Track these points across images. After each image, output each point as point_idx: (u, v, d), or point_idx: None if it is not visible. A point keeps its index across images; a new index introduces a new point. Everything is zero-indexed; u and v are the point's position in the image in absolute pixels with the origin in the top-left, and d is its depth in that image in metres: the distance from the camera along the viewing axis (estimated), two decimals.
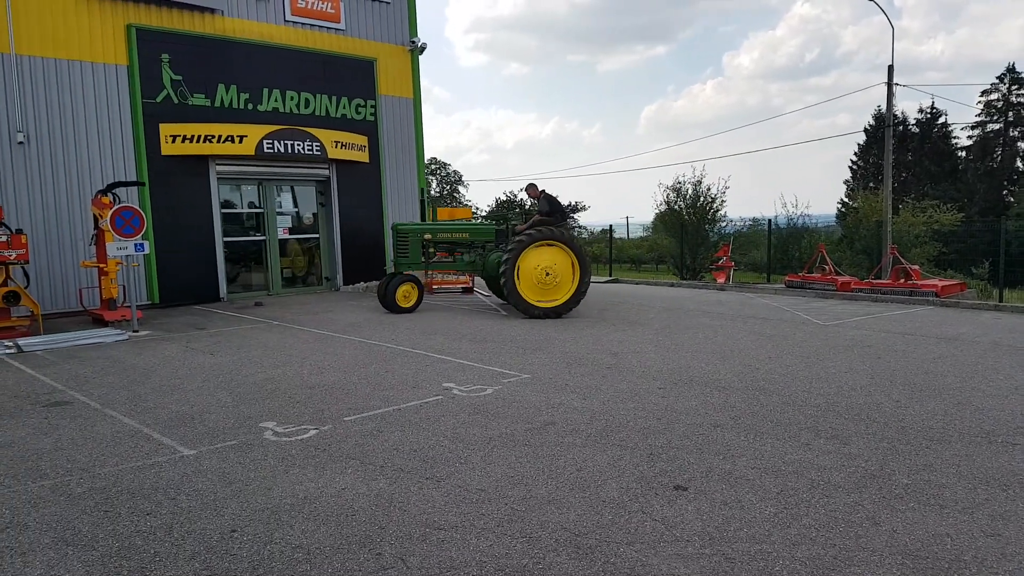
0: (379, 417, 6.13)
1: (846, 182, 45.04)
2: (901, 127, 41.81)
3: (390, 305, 12.59)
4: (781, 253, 23.17)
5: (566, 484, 4.59)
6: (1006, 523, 3.92)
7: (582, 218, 45.16)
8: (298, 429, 5.81)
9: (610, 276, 22.17)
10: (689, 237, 24.00)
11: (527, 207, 14.41)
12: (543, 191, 12.56)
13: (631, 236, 44.98)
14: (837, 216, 39.28)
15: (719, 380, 7.34)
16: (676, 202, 25.99)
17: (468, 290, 16.28)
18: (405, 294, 12.64)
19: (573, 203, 44.07)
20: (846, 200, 42.13)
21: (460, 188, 50.51)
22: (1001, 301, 14.28)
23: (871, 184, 38.15)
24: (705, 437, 5.47)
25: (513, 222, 13.35)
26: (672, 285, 19.19)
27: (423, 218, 17.89)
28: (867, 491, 4.38)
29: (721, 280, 18.26)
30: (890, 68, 20.37)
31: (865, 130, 43.98)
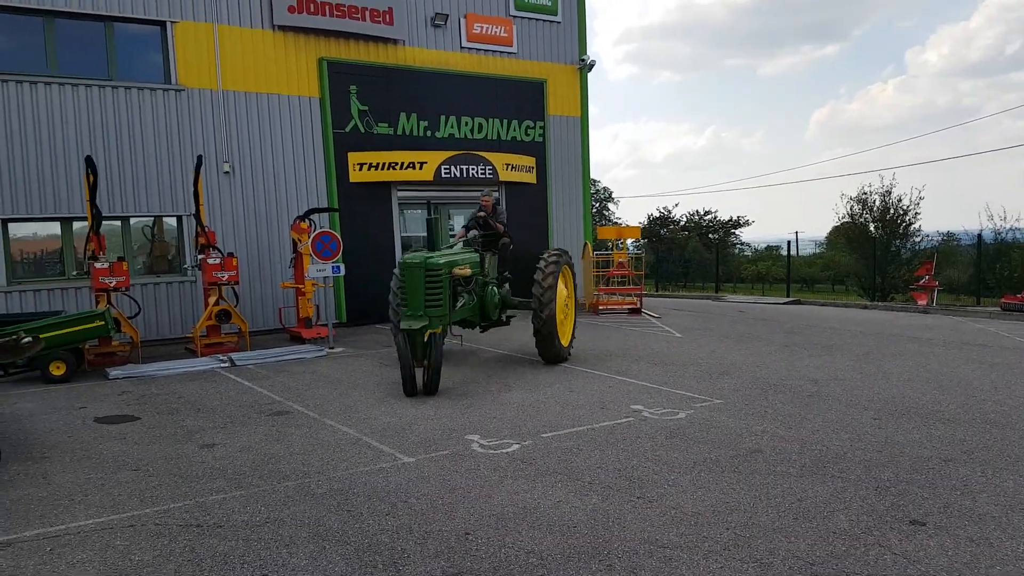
0: (575, 435, 6.22)
1: None
2: None
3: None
4: (984, 271, 20.81)
5: (788, 513, 4.41)
6: None
7: (744, 234, 42.30)
8: (501, 443, 6.02)
9: (788, 296, 20.85)
10: (878, 253, 22.11)
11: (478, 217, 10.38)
12: (496, 199, 10.77)
13: (800, 253, 41.93)
14: None
15: (941, 411, 6.77)
16: (861, 215, 24.07)
17: (635, 311, 16.11)
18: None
19: (734, 218, 41.54)
20: None
21: (610, 205, 49.47)
22: None
23: None
24: (936, 472, 5.06)
25: (477, 241, 10.24)
26: (864, 307, 17.93)
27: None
28: None
29: (923, 302, 16.82)
30: None
31: None
